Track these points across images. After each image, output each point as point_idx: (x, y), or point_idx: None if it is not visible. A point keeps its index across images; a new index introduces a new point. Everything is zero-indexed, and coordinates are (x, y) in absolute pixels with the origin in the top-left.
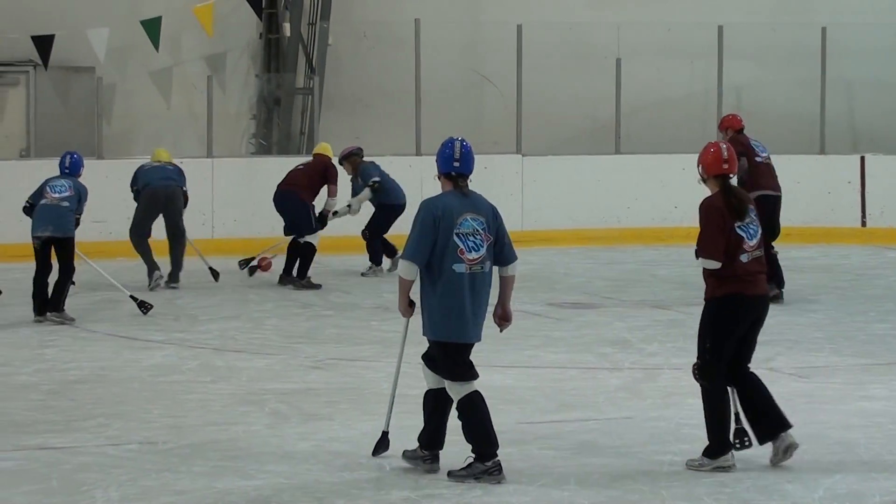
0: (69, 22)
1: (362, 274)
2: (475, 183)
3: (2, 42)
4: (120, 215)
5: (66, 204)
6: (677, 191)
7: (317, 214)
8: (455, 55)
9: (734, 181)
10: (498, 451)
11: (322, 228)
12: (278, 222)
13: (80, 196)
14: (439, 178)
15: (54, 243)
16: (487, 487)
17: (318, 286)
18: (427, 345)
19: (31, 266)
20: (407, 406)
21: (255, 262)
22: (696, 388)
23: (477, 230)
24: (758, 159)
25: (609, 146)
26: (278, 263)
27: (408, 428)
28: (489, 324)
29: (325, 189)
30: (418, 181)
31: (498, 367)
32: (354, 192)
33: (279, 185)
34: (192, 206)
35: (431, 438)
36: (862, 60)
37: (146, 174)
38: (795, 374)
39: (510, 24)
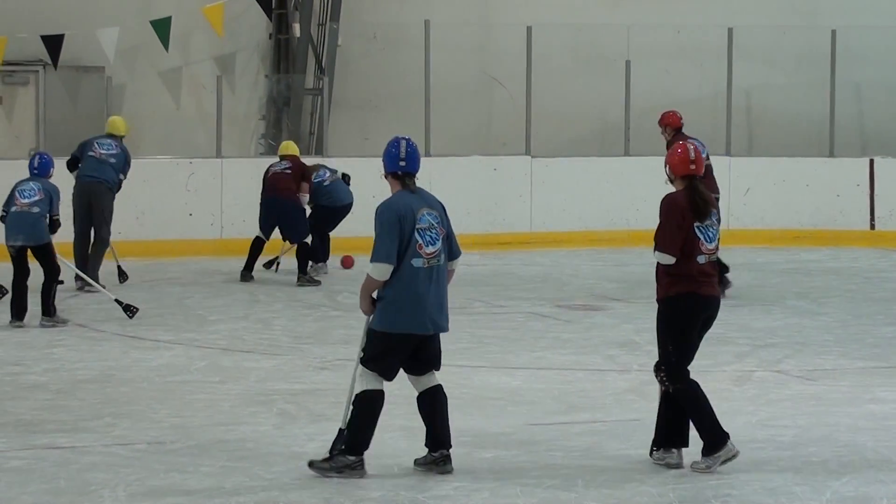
0: (79, 22)
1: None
2: (485, 183)
3: (12, 42)
4: (127, 214)
5: (36, 210)
6: None
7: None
8: (465, 57)
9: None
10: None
11: None
12: None
13: (51, 198)
14: (386, 177)
15: (30, 250)
16: (494, 489)
17: (318, 282)
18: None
19: (35, 266)
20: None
21: (278, 259)
22: (703, 389)
23: (433, 224)
24: None
25: (618, 148)
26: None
27: (416, 429)
28: (491, 324)
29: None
30: (427, 182)
31: (506, 368)
32: None
33: (274, 192)
34: (202, 206)
35: (364, 442)
36: (871, 64)
37: (85, 161)
38: (804, 376)
39: (520, 27)
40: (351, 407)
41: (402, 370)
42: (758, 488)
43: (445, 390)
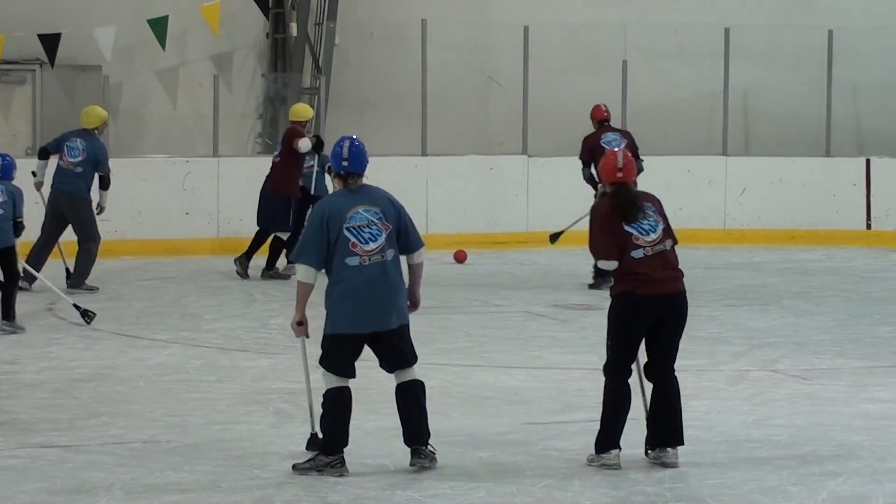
0: (76, 21)
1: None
2: (481, 182)
3: (8, 40)
4: (124, 214)
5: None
6: (682, 192)
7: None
8: (461, 56)
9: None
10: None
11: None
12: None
13: (14, 200)
14: (333, 177)
15: None
16: (490, 488)
17: (286, 277)
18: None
19: None
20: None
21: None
22: (699, 389)
23: (372, 221)
24: None
25: None
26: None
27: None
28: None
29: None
30: (424, 181)
31: (503, 367)
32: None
33: (265, 183)
34: (199, 205)
35: (337, 440)
36: (868, 63)
37: (57, 166)
38: (800, 376)
39: (517, 26)
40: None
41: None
42: (754, 487)
43: (442, 389)
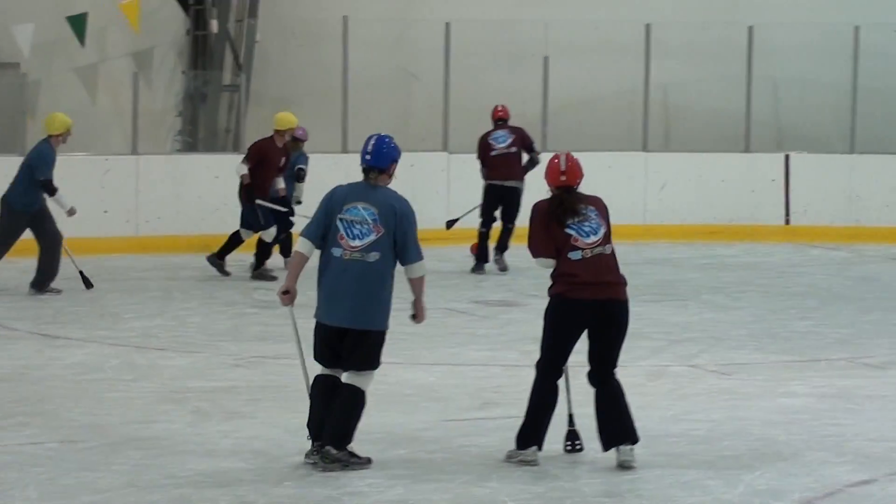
0: None
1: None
2: (402, 178)
3: None
4: None
5: None
6: (602, 188)
7: (262, 211)
8: (382, 53)
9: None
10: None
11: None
12: (202, 220)
13: None
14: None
15: None
16: (408, 485)
17: (228, 273)
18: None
19: None
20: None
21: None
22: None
23: (366, 219)
24: (492, 153)
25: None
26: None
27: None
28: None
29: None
30: (343, 178)
31: (422, 364)
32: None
33: None
34: (117, 203)
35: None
36: (788, 59)
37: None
38: (718, 370)
39: (439, 23)
40: None
41: None
42: (672, 482)
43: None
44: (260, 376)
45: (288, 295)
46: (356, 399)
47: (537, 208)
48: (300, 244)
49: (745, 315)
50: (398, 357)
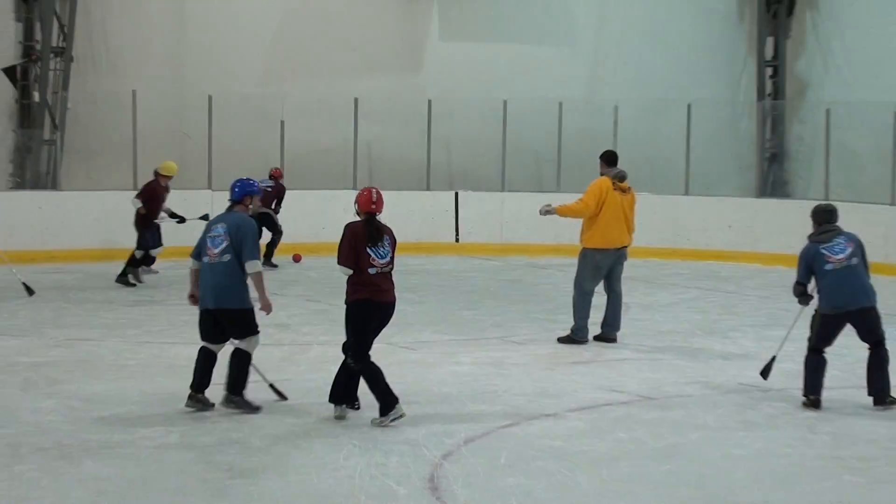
0: None
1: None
2: (176, 208)
3: None
4: None
5: None
6: (323, 217)
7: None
8: (162, 116)
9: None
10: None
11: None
12: (31, 239)
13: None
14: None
15: None
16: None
17: (136, 284)
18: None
19: None
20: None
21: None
22: (339, 358)
23: (220, 233)
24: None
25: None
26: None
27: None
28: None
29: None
30: (132, 210)
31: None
32: None
33: None
34: None
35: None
36: (457, 122)
37: None
38: (408, 347)
39: (203, 95)
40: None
41: None
42: (376, 430)
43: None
44: (75, 354)
45: (193, 297)
46: (240, 358)
47: (351, 229)
48: (191, 262)
49: (427, 307)
50: (177, 338)
